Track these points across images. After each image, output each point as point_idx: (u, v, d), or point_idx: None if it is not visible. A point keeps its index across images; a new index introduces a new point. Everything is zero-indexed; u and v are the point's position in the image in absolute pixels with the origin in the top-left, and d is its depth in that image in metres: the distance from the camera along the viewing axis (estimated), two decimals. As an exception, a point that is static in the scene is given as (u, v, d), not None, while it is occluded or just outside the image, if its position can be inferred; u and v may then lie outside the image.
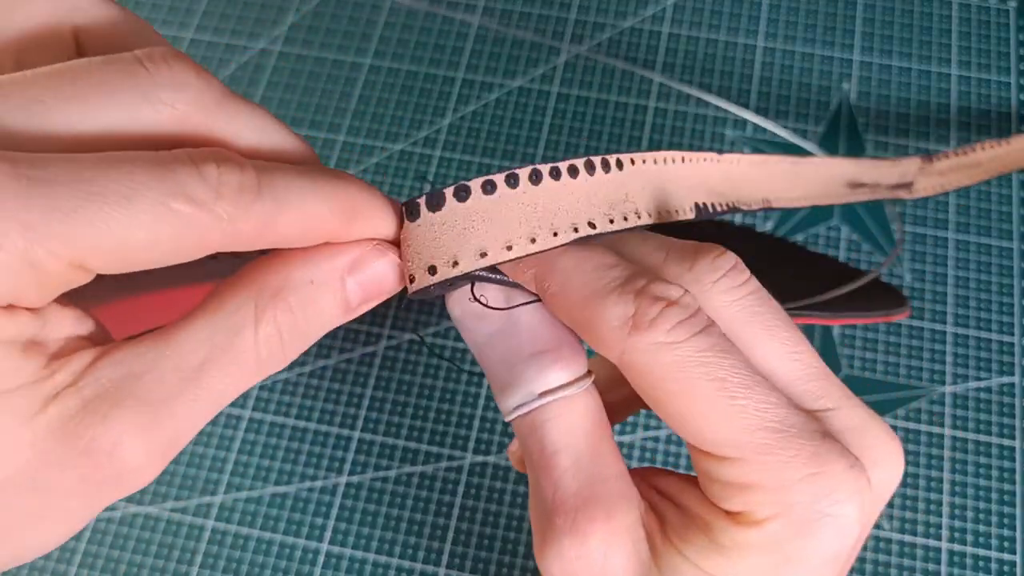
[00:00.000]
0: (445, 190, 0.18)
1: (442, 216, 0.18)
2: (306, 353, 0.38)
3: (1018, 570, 0.34)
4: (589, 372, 0.19)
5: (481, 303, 0.19)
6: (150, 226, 0.14)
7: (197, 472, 0.37)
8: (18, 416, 0.14)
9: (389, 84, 0.45)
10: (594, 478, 0.18)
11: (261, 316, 0.16)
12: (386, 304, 0.40)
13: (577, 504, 0.18)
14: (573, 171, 0.19)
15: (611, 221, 0.19)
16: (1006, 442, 0.36)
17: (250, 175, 0.16)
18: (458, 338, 0.39)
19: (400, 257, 0.18)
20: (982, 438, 0.36)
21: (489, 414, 0.37)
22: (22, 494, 0.15)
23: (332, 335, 0.39)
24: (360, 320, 0.39)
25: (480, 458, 0.37)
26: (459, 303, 0.20)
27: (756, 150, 0.43)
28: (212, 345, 0.16)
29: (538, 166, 0.18)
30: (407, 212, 0.18)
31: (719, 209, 0.25)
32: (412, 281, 0.18)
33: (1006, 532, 0.35)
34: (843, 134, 0.43)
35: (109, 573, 0.35)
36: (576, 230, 0.19)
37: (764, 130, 0.43)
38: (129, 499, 0.36)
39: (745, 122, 0.43)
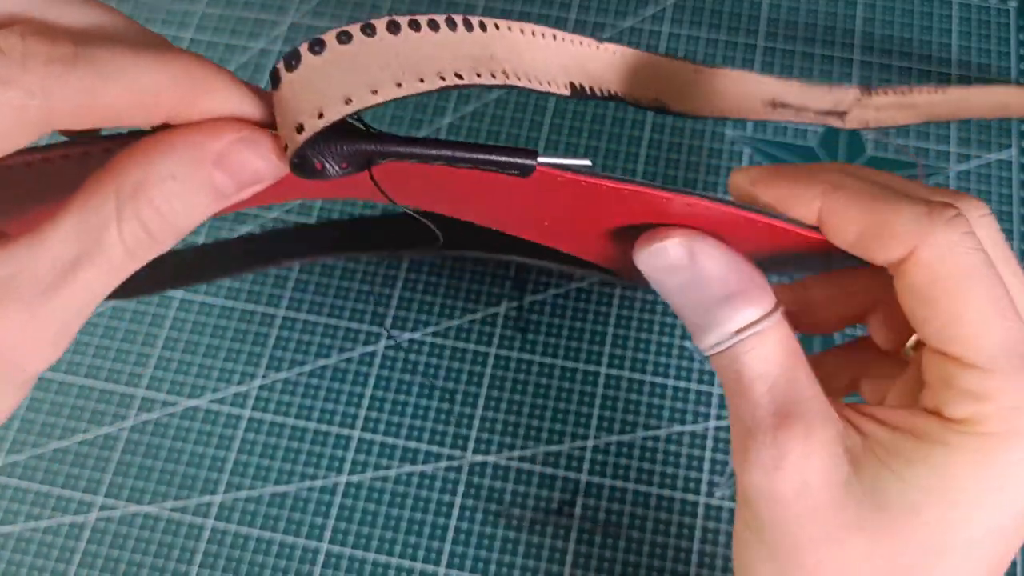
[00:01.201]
0: (300, 47, 0.17)
1: (300, 73, 0.17)
2: (305, 353, 0.39)
3: (1018, 570, 0.34)
4: (778, 305, 0.20)
5: (327, 166, 0.18)
6: None
7: (196, 472, 0.37)
8: None
9: (389, 84, 0.45)
10: (790, 399, 0.19)
11: (122, 214, 0.16)
12: (386, 304, 0.40)
13: (776, 422, 0.19)
14: (433, 25, 0.18)
15: (478, 75, 0.19)
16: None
17: (62, 45, 0.15)
18: (458, 337, 0.39)
19: (276, 134, 0.17)
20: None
21: (489, 414, 0.37)
22: None
23: (332, 335, 0.39)
24: (360, 320, 0.39)
25: (480, 458, 0.37)
26: (643, 262, 0.21)
27: (756, 150, 0.43)
28: (80, 242, 0.16)
29: (396, 17, 0.18)
30: (271, 81, 0.17)
31: (598, 94, 0.24)
32: (287, 147, 0.17)
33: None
34: (843, 134, 0.43)
35: (109, 572, 0.35)
36: (443, 78, 0.18)
37: (764, 128, 0.43)
38: (129, 499, 0.36)
39: (745, 122, 0.43)
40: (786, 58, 0.45)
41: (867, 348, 0.25)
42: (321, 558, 0.35)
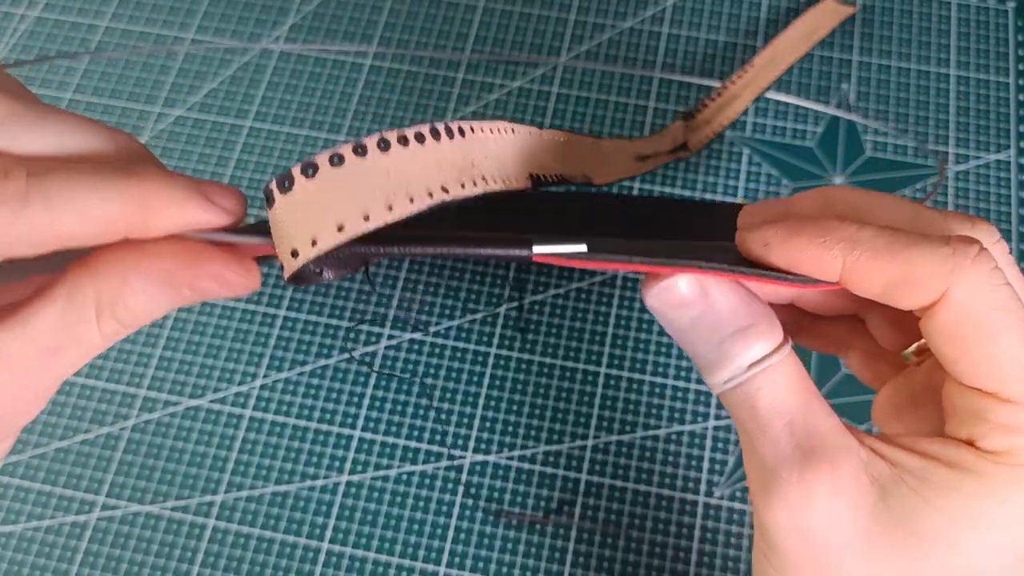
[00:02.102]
0: (293, 168, 0.17)
1: (293, 196, 0.17)
2: (306, 353, 0.39)
3: None
4: (787, 338, 0.20)
5: (316, 274, 0.19)
6: None
7: (198, 471, 0.37)
8: None
9: (390, 85, 0.45)
10: (810, 433, 0.19)
11: (101, 315, 0.18)
12: (386, 304, 0.40)
13: (799, 460, 0.19)
14: (420, 138, 0.19)
15: (463, 186, 0.20)
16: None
17: (15, 183, 0.16)
18: (458, 338, 0.39)
19: (273, 243, 0.19)
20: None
21: (489, 413, 0.37)
22: None
23: (333, 335, 0.39)
24: (360, 320, 0.39)
25: (480, 457, 0.37)
26: (654, 297, 0.21)
27: (754, 150, 0.43)
28: (62, 334, 0.18)
29: (385, 134, 0.18)
30: (265, 199, 0.18)
31: (550, 180, 0.25)
32: (284, 267, 0.18)
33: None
34: (842, 134, 0.43)
35: (111, 572, 0.35)
36: (431, 195, 0.19)
37: (764, 128, 0.43)
38: (130, 498, 0.36)
39: (744, 122, 0.43)
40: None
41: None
42: (322, 557, 0.35)
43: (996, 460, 0.18)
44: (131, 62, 0.47)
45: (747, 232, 0.20)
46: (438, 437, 0.37)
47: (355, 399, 0.38)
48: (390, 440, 0.37)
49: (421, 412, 0.38)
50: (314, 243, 0.17)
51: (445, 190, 0.19)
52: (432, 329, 0.39)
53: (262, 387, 0.38)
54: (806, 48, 0.44)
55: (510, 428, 0.37)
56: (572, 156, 0.29)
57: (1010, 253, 0.20)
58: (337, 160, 0.18)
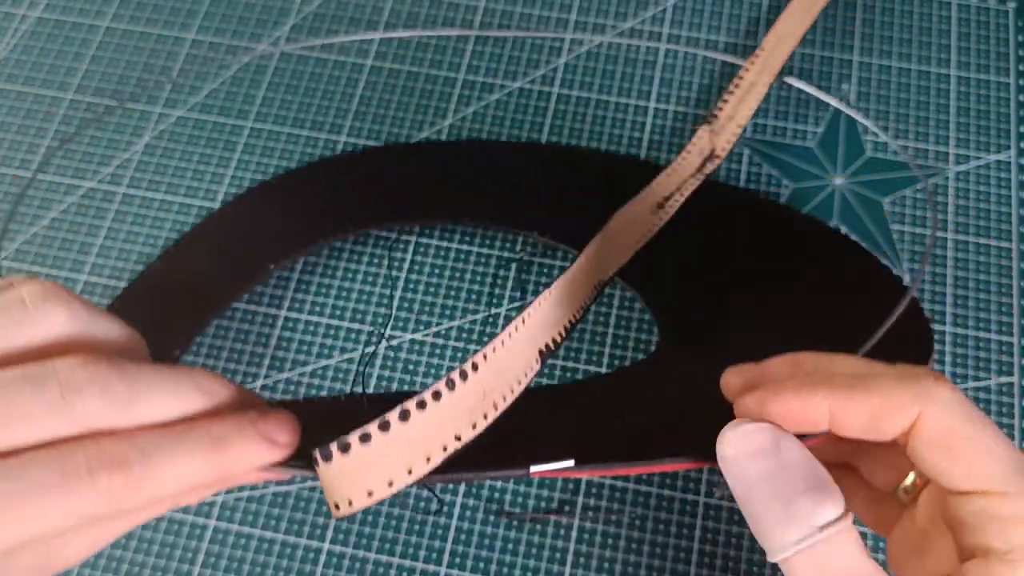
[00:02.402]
0: (332, 446, 0.21)
1: (332, 467, 0.22)
2: (307, 353, 0.39)
3: (1016, 569, 0.34)
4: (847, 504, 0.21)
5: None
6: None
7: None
8: None
9: (391, 85, 0.45)
10: None
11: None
12: (387, 305, 0.40)
13: None
14: (437, 396, 0.22)
15: (474, 426, 0.24)
16: (1005, 442, 0.36)
17: (137, 470, 0.20)
18: (459, 339, 0.39)
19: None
20: (981, 438, 0.36)
21: (490, 414, 0.37)
22: None
23: (334, 335, 0.39)
24: (361, 321, 0.39)
25: (481, 458, 0.37)
26: (731, 444, 0.21)
27: (755, 151, 0.43)
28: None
29: (406, 405, 0.22)
30: (312, 462, 0.22)
31: (559, 340, 0.30)
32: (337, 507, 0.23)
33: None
34: (842, 136, 0.43)
35: (111, 572, 0.35)
36: (445, 449, 0.23)
37: (764, 129, 0.43)
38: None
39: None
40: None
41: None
42: (323, 558, 0.35)
43: (1012, 558, 0.19)
44: (132, 63, 0.47)
45: (740, 399, 0.22)
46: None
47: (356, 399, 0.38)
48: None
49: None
50: (350, 503, 0.22)
51: (458, 438, 0.23)
52: (433, 330, 0.39)
53: (263, 387, 0.38)
54: (810, 20, 0.44)
55: (511, 428, 0.37)
56: (578, 292, 0.32)
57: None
58: (366, 439, 0.21)
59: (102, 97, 0.46)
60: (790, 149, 0.43)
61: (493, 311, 0.39)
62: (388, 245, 0.41)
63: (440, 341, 0.39)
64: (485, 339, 0.39)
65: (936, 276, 0.40)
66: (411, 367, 0.38)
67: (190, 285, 0.39)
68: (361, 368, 0.38)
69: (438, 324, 0.39)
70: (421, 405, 0.22)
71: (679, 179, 0.40)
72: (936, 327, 0.38)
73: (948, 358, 0.38)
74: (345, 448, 0.21)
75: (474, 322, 0.39)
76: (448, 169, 0.42)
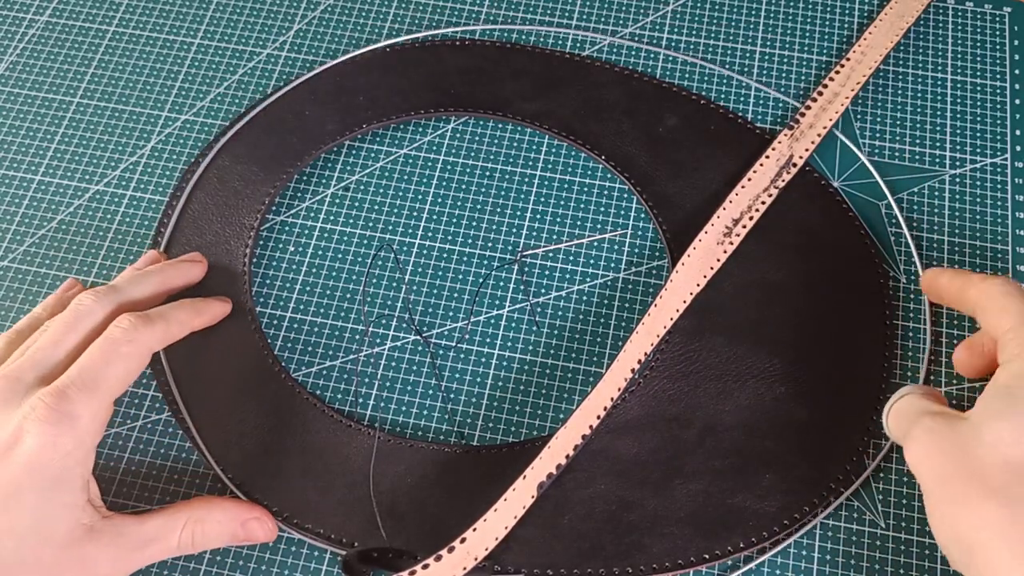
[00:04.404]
0: None
1: None
2: (311, 354, 0.39)
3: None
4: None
5: None
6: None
7: (205, 471, 0.37)
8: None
9: (393, 89, 0.46)
10: None
11: (185, 527, 0.33)
12: (390, 306, 0.40)
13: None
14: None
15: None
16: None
17: (148, 318, 0.34)
18: (460, 339, 0.39)
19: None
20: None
21: (491, 414, 0.38)
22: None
23: (338, 336, 0.39)
24: (362, 322, 0.40)
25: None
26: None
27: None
28: (156, 535, 0.32)
29: None
30: None
31: (589, 433, 0.36)
32: None
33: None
34: (840, 139, 0.43)
35: (118, 570, 0.35)
36: None
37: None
38: (138, 499, 0.36)
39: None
40: (783, 62, 0.46)
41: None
42: (327, 556, 0.35)
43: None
44: (138, 67, 0.47)
45: (931, 280, 0.37)
46: (440, 437, 0.37)
47: (358, 400, 0.38)
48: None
49: (424, 412, 0.38)
50: None
51: None
52: (435, 331, 0.40)
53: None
54: (899, 34, 0.45)
55: (512, 429, 0.38)
56: (629, 358, 0.38)
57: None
58: None
59: (109, 101, 0.46)
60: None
61: (495, 312, 0.40)
62: (392, 248, 0.41)
63: (444, 342, 0.39)
64: (487, 340, 0.39)
65: (933, 278, 0.40)
66: (414, 367, 0.39)
67: (300, 124, 0.44)
68: (363, 369, 0.39)
69: (440, 326, 0.40)
70: None
71: (753, 193, 0.40)
72: (934, 329, 0.39)
73: (946, 359, 0.38)
74: None
75: (476, 323, 0.40)
76: (542, 78, 0.45)
